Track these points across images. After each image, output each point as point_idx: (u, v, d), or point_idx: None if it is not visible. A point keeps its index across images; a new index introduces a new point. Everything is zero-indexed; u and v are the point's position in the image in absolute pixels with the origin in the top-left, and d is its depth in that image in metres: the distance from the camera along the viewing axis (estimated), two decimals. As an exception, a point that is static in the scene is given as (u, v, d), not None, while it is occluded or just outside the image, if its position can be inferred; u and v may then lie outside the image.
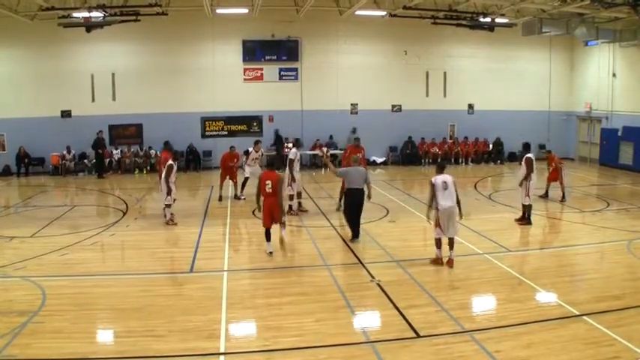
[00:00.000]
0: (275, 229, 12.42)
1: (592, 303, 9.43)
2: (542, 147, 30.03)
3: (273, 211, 12.09)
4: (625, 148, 26.72)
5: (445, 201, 11.51)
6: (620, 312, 9.03)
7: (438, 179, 11.68)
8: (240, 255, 13.08)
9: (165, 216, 15.66)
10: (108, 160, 26.13)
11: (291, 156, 16.74)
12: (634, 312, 9.07)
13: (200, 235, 14.38)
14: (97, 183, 23.62)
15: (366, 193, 13.76)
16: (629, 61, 27.18)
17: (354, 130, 27.34)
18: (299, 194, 17.23)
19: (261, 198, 12.26)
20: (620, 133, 26.95)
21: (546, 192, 19.25)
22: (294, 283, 10.70)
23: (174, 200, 15.92)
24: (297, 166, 16.72)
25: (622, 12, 23.57)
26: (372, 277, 10.81)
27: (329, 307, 9.36)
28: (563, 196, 18.75)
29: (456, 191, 11.69)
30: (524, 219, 15.70)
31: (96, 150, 25.28)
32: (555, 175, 18.94)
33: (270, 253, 12.34)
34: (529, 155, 15.61)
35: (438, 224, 11.61)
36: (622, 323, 8.54)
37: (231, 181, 19.34)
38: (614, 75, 28.08)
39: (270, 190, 11.97)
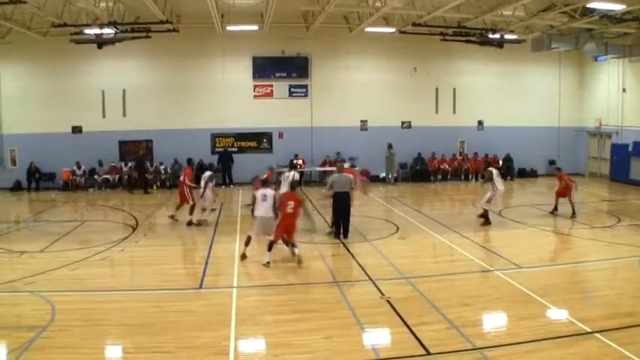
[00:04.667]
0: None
1: (604, 320, 9.33)
2: (552, 162, 30.01)
3: (289, 230, 12.91)
4: (636, 163, 26.58)
5: (260, 211, 13.07)
6: (632, 329, 8.93)
7: (260, 192, 13.31)
8: (250, 271, 12.98)
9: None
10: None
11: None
12: (647, 329, 8.98)
13: (210, 251, 14.39)
14: (106, 198, 23.70)
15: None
16: (638, 76, 27.13)
17: (390, 146, 27.42)
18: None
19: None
20: (630, 149, 26.81)
21: (555, 207, 19.20)
22: (304, 300, 10.69)
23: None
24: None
25: (631, 27, 23.63)
26: (382, 294, 10.76)
27: (338, 324, 9.31)
28: (574, 212, 18.67)
29: (274, 204, 13.04)
30: (484, 218, 17.56)
31: (139, 166, 25.80)
32: (564, 191, 18.90)
33: (268, 263, 12.67)
34: (490, 169, 18.25)
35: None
36: (634, 340, 8.45)
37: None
38: (624, 90, 28.02)
39: (291, 211, 12.75)
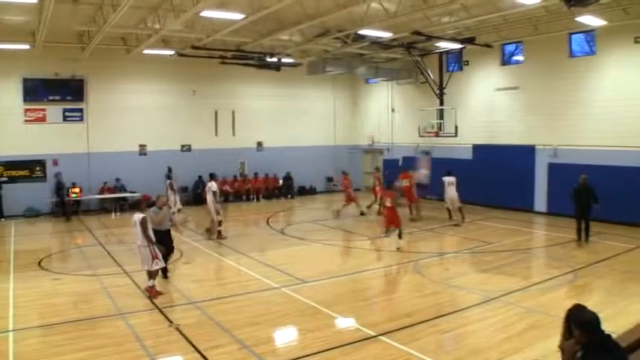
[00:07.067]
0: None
1: (386, 323, 10.02)
2: (329, 180, 32.04)
3: (391, 220, 16.83)
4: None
5: (136, 239, 12.27)
6: (412, 327, 9.74)
7: (135, 217, 12.33)
8: (28, 311, 11.77)
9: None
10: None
11: (214, 189, 18.86)
12: (424, 326, 9.83)
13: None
14: None
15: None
16: (405, 97, 29.86)
17: (169, 170, 26.34)
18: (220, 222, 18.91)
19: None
20: (400, 163, 29.01)
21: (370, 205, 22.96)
22: (89, 337, 9.88)
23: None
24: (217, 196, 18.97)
25: (398, 53, 25.95)
26: (170, 322, 10.44)
27: (128, 357, 8.83)
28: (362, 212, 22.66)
29: (141, 231, 12.05)
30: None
31: (58, 191, 23.82)
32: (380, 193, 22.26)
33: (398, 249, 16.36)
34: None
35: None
36: (415, 338, 9.23)
37: None
38: (392, 110, 30.51)
39: (390, 205, 16.76)
